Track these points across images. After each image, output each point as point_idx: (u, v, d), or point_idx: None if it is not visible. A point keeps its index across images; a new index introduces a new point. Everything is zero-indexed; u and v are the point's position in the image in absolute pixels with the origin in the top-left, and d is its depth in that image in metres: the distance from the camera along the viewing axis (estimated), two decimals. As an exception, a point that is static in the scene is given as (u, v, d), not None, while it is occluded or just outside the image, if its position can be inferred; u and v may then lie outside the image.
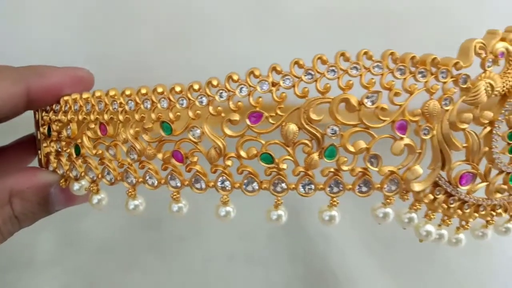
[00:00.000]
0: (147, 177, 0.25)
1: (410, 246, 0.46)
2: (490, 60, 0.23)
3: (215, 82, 0.22)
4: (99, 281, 0.43)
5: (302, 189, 0.23)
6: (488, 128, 0.23)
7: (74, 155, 0.26)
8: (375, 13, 0.42)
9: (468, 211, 0.25)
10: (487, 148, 0.24)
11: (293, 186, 0.23)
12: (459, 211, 0.25)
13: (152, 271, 0.45)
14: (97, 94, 0.25)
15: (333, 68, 0.22)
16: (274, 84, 0.22)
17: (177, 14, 0.39)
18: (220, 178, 0.24)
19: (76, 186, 0.27)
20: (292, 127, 0.22)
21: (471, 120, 0.23)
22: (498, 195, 0.25)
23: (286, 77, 0.22)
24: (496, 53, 0.23)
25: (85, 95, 0.26)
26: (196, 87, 0.23)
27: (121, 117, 0.24)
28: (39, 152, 0.29)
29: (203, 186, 0.24)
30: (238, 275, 0.45)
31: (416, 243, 0.46)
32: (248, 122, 0.22)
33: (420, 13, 0.43)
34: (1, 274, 0.41)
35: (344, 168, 0.23)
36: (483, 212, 0.25)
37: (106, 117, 0.25)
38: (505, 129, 0.24)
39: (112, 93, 0.25)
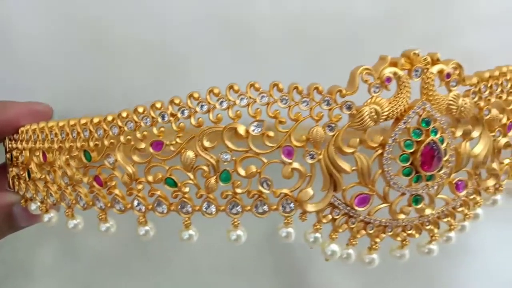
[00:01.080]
0: (78, 199, 0.28)
1: (391, 262, 0.46)
2: (377, 85, 0.24)
3: (124, 114, 0.25)
4: (93, 288, 0.47)
5: (206, 211, 0.25)
6: (380, 151, 0.24)
7: (27, 179, 0.30)
8: (345, 37, 0.43)
9: (372, 231, 0.26)
10: (380, 171, 0.24)
11: (198, 207, 0.25)
12: (363, 232, 0.26)
13: (142, 281, 0.48)
14: (41, 125, 0.29)
15: (223, 99, 0.24)
16: (173, 115, 0.24)
17: (155, 52, 0.42)
18: (135, 201, 0.26)
19: (33, 206, 0.30)
20: (189, 153, 0.24)
21: (358, 144, 0.24)
22: (402, 216, 0.26)
23: (183, 108, 0.24)
24: (382, 79, 0.23)
25: (33, 127, 0.29)
26: (109, 118, 0.25)
27: (56, 146, 0.28)
28: (7, 175, 0.33)
29: (122, 208, 0.26)
30: (224, 286, 0.47)
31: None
32: (151, 150, 0.25)
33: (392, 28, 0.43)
34: (2, 284, 0.45)
35: (239, 191, 0.24)
36: (391, 233, 0.26)
37: (46, 145, 0.28)
38: (398, 151, 0.24)
39: (50, 124, 0.28)
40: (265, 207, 0.25)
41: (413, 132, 0.24)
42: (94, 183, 0.27)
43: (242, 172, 0.24)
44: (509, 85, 0.27)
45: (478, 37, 0.43)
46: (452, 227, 0.27)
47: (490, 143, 0.26)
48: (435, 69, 0.24)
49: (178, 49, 0.41)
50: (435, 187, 0.25)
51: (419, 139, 0.24)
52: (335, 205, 0.25)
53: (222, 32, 0.41)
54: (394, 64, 0.24)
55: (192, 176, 0.25)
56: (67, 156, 0.27)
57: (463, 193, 0.27)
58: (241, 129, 0.24)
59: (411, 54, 0.24)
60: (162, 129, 0.25)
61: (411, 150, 0.24)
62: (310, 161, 0.24)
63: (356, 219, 0.25)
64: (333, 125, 0.24)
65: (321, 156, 0.24)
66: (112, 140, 0.25)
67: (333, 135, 0.24)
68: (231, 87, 0.24)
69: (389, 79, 0.24)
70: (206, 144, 0.24)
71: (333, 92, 0.23)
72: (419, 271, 0.48)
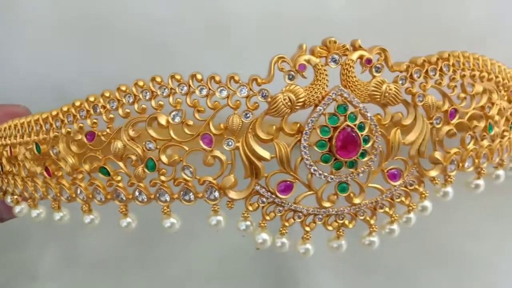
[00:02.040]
0: (37, 190, 0.30)
1: (382, 269, 0.46)
2: (291, 73, 0.24)
3: (65, 108, 0.27)
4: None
5: (138, 199, 0.26)
6: (298, 138, 0.24)
7: (1, 172, 0.33)
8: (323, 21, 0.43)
9: (301, 220, 0.26)
10: (300, 158, 0.24)
11: (131, 196, 0.26)
12: (292, 220, 0.26)
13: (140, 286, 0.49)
14: (9, 123, 0.31)
15: (146, 90, 0.25)
16: (103, 107, 0.26)
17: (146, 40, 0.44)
18: (78, 190, 0.28)
19: (8, 198, 0.33)
20: (118, 143, 0.25)
21: (275, 131, 0.24)
22: (329, 204, 0.25)
23: (112, 100, 0.26)
24: (296, 67, 0.24)
25: (3, 125, 0.32)
26: (54, 113, 0.27)
27: (18, 141, 0.30)
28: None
29: (69, 197, 0.28)
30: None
31: (389, 267, 0.46)
32: (85, 140, 0.26)
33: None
34: (8, 285, 0.48)
35: (163, 178, 0.25)
36: (321, 222, 0.26)
37: (12, 141, 0.31)
38: (316, 138, 0.24)
39: (14, 122, 0.31)
40: (191, 195, 0.25)
41: (329, 118, 0.24)
42: (45, 174, 0.28)
43: (165, 160, 0.25)
44: (451, 71, 0.26)
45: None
46: (392, 219, 0.27)
47: (427, 131, 0.25)
48: (354, 56, 0.24)
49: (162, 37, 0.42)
50: (361, 175, 0.25)
51: (335, 125, 0.24)
52: (260, 193, 0.25)
53: (202, 26, 0.42)
54: (311, 52, 0.24)
55: (122, 165, 0.26)
56: (25, 150, 0.29)
57: (398, 182, 0.26)
58: (162, 119, 0.25)
59: (327, 41, 0.24)
60: (95, 120, 0.26)
61: (328, 136, 0.24)
62: (227, 148, 0.24)
63: (283, 207, 0.25)
64: (250, 113, 0.24)
65: (239, 144, 0.24)
66: (56, 133, 0.27)
67: (250, 123, 0.24)
68: (153, 79, 0.25)
69: (303, 67, 0.24)
70: (131, 133, 0.25)
71: (249, 81, 0.24)
72: (418, 278, 0.46)
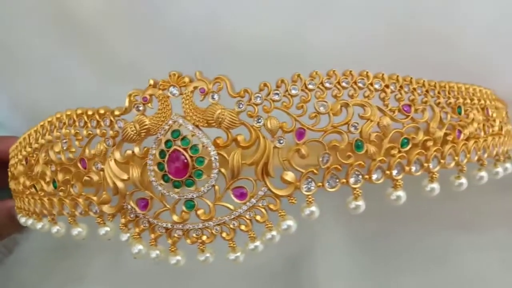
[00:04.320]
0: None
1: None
2: (138, 105, 0.28)
3: (21, 139, 0.35)
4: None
5: (54, 211, 0.32)
6: (146, 161, 0.28)
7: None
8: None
9: (163, 233, 0.29)
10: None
11: (51, 208, 0.33)
12: (158, 233, 0.29)
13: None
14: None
15: (52, 124, 0.31)
16: (33, 138, 0.33)
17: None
18: (30, 202, 0.35)
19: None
20: (38, 167, 0.32)
21: (131, 156, 0.28)
22: (179, 219, 0.28)
23: (36, 132, 0.33)
24: (141, 100, 0.28)
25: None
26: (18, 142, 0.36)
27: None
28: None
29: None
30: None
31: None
32: (24, 163, 0.34)
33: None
34: (58, 285, 0.59)
35: (61, 194, 0.31)
36: (178, 236, 0.29)
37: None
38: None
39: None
40: (81, 210, 0.31)
41: (165, 142, 0.27)
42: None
43: (60, 178, 0.31)
44: (298, 90, 0.27)
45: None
46: (250, 236, 0.28)
47: (269, 152, 0.27)
48: (190, 87, 0.27)
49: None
50: (207, 194, 0.27)
51: (170, 149, 0.27)
52: (127, 208, 0.29)
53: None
54: (154, 85, 0.28)
55: (43, 183, 0.32)
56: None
57: (246, 201, 0.27)
58: (57, 147, 0.31)
59: (169, 75, 0.27)
60: (29, 149, 0.33)
61: (164, 159, 0.27)
62: (95, 170, 0.29)
63: (147, 221, 0.29)
64: (110, 140, 0.29)
65: (103, 166, 0.29)
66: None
67: (113, 149, 0.29)
68: (55, 115, 0.31)
69: (146, 99, 0.27)
70: (44, 158, 0.32)
71: (109, 113, 0.29)
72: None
